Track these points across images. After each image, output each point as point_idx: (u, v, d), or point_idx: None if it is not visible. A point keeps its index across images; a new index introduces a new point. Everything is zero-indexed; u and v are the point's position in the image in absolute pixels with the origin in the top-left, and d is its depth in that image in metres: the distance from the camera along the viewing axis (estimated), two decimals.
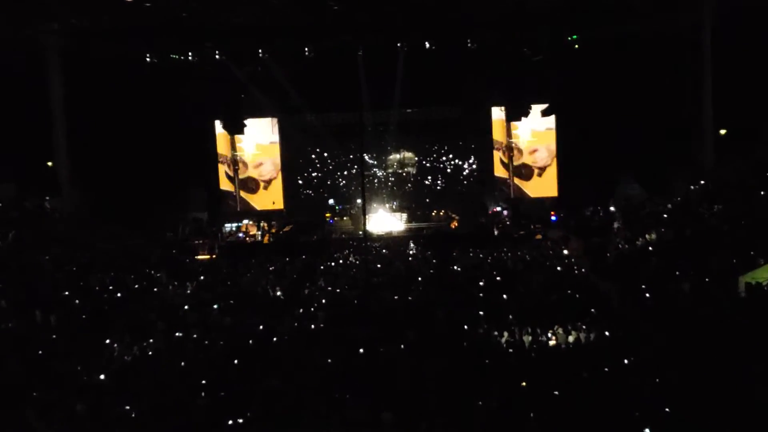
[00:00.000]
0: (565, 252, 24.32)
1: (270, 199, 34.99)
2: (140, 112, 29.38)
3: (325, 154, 37.22)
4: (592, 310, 16.48)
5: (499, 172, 35.50)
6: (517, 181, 35.28)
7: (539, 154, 34.88)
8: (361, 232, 25.87)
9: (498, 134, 35.40)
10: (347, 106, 32.07)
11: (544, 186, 35.11)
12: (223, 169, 35.15)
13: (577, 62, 30.39)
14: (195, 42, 30.75)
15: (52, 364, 13.84)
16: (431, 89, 31.85)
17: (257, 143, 35.39)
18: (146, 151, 29.45)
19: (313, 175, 37.45)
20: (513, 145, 35.10)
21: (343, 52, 31.20)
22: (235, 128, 34.37)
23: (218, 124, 34.51)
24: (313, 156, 37.31)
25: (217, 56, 31.47)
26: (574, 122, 31.91)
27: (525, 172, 35.20)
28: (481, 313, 16.39)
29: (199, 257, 27.86)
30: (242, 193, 35.20)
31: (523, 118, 34.11)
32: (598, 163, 29.90)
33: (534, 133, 35.01)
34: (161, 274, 22.80)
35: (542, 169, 34.87)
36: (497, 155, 35.24)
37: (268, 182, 35.23)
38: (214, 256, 28.03)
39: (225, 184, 35.18)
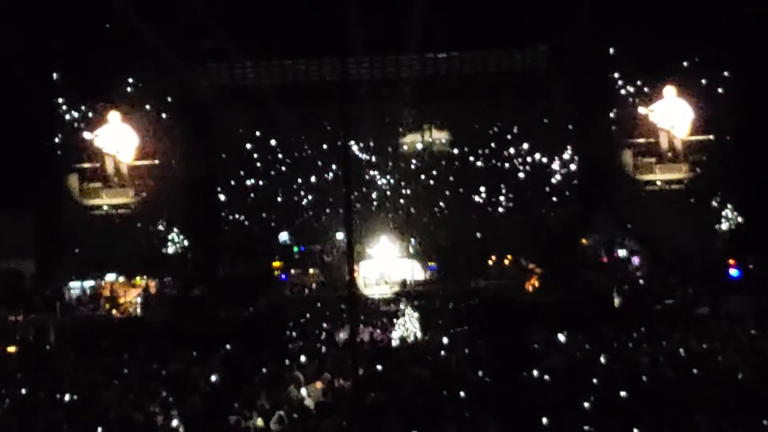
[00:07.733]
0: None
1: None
2: None
3: (273, 141, 29.07)
4: None
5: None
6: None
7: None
8: (342, 293, 23.63)
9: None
10: (317, 45, 24.57)
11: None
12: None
13: None
14: None
15: None
16: (485, 14, 24.07)
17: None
18: None
19: (249, 182, 29.17)
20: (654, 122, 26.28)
21: None
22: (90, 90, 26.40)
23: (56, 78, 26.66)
24: (249, 145, 29.00)
25: None
26: None
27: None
28: None
29: (14, 349, 23.05)
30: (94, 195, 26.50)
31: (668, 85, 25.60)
32: None
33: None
34: None
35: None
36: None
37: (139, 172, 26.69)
38: (47, 348, 23.29)
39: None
